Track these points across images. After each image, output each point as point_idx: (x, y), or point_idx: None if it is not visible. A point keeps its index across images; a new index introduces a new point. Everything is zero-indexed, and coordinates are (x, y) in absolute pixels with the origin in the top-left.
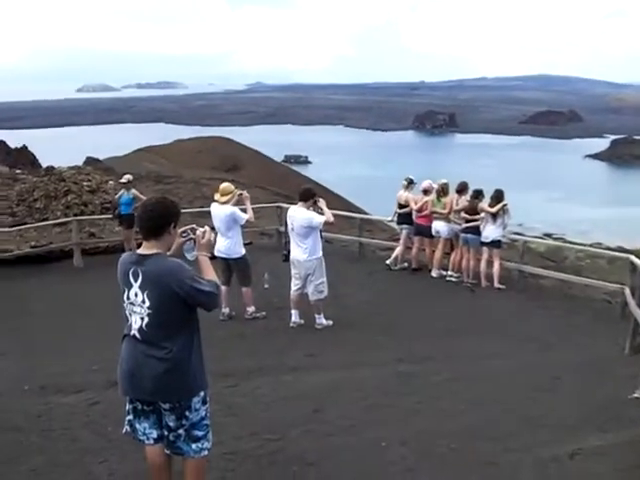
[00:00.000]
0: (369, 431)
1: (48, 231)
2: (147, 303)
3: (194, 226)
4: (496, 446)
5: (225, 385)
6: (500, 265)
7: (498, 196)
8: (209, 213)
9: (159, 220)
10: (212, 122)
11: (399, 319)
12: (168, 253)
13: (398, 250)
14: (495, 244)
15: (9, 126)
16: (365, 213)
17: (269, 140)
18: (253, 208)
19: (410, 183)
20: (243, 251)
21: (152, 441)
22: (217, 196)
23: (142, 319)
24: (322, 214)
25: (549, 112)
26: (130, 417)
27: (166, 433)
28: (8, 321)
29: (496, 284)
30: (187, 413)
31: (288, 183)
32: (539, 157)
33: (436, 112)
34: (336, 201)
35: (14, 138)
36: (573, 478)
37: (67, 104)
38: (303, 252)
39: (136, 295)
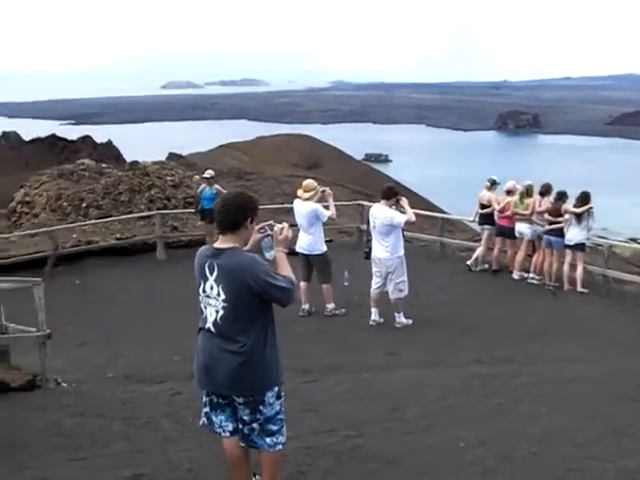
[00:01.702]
0: (448, 431)
1: (132, 224)
2: (222, 296)
3: (272, 222)
4: (578, 453)
5: (304, 380)
6: (583, 269)
7: (584, 198)
8: (289, 210)
9: (236, 214)
10: (293, 119)
11: (479, 320)
12: (245, 248)
13: (479, 251)
14: (579, 247)
15: (95, 121)
16: (446, 213)
17: (350, 138)
18: (335, 206)
19: (493, 184)
20: (324, 248)
21: (228, 433)
22: (300, 192)
23: (217, 312)
24: (404, 213)
25: (637, 112)
26: (207, 409)
27: (241, 426)
28: (93, 311)
29: (579, 288)
30: (261, 407)
31: (368, 181)
32: (626, 159)
33: (519, 112)
34: (416, 200)
35: (100, 133)
36: None
37: (152, 100)
38: (384, 250)
39: (212, 288)
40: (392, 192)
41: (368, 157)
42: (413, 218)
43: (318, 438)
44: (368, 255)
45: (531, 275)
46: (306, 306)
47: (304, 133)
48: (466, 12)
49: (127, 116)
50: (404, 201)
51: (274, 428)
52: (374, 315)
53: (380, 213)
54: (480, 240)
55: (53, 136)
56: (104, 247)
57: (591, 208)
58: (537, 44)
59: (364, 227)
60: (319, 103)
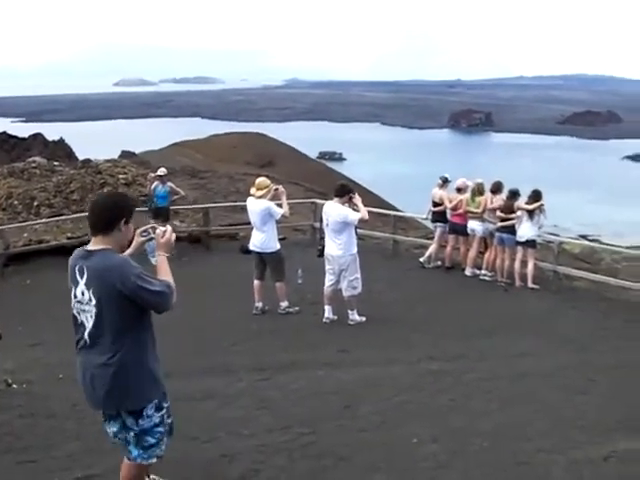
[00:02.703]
0: (401, 427)
1: (84, 223)
2: (93, 301)
3: (155, 225)
4: (529, 446)
5: (258, 378)
6: (534, 265)
7: (536, 195)
8: (243, 207)
9: (108, 215)
10: (248, 117)
11: (432, 317)
12: (127, 252)
13: (432, 248)
14: (530, 244)
15: (46, 119)
16: (399, 211)
17: (305, 136)
18: (288, 204)
19: (445, 182)
20: (278, 246)
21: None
22: (253, 190)
23: (90, 318)
24: (357, 210)
25: (587, 112)
26: (103, 421)
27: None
28: (44, 311)
29: (530, 284)
30: (139, 419)
31: (322, 180)
32: (576, 158)
33: (472, 110)
34: (370, 198)
35: (51, 131)
36: None
37: (105, 98)
38: (338, 248)
39: (82, 293)
40: (345, 190)
41: (322, 155)
42: (366, 216)
43: (272, 436)
44: (322, 253)
45: (483, 272)
46: (259, 304)
47: (258, 131)
48: (421, 11)
49: (79, 114)
50: (357, 199)
51: (151, 441)
52: (327, 312)
53: (333, 211)
54: (433, 238)
55: (3, 133)
56: (55, 246)
57: (542, 205)
58: (491, 44)
59: (317, 225)
60: (274, 101)
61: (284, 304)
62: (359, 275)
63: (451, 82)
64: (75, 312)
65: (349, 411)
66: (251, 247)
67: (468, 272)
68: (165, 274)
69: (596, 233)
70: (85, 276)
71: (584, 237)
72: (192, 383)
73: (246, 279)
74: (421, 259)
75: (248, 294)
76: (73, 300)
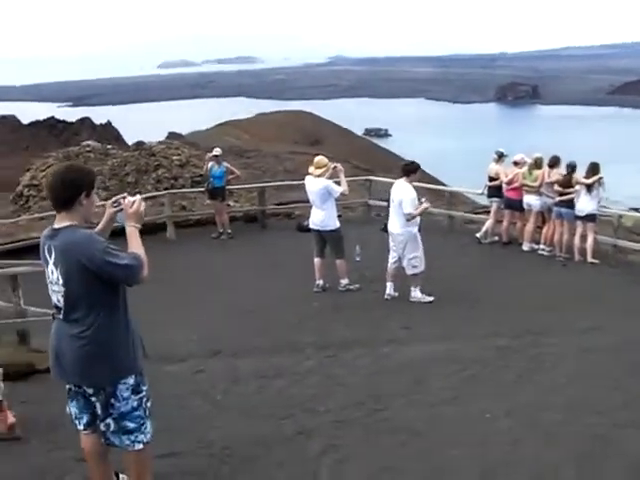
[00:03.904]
0: (472, 403)
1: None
2: (61, 280)
3: (125, 195)
4: (602, 420)
5: (326, 355)
6: (594, 239)
7: (593, 168)
8: (290, 186)
9: (68, 189)
10: (291, 96)
11: (493, 293)
12: (98, 228)
13: (488, 223)
14: (590, 218)
15: (93, 102)
16: (445, 185)
17: (349, 113)
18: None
19: (501, 156)
20: (337, 224)
21: (82, 426)
22: (311, 169)
23: (61, 297)
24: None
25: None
26: (67, 398)
27: (98, 422)
28: None
29: (589, 259)
30: (113, 401)
31: (369, 156)
32: (628, 129)
33: (518, 83)
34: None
35: (98, 114)
36: None
37: (149, 80)
38: (398, 225)
39: (52, 272)
40: (410, 169)
41: (368, 132)
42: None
43: (346, 412)
44: (385, 228)
45: (541, 247)
46: (320, 282)
47: (303, 109)
48: None
49: (125, 97)
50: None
51: (131, 426)
52: (389, 289)
53: (398, 190)
54: (480, 213)
55: (52, 118)
56: (113, 229)
57: (601, 178)
58: (536, 14)
59: (372, 202)
60: (317, 79)
61: (344, 281)
62: (419, 254)
63: (495, 55)
64: (49, 292)
65: (419, 387)
66: (311, 225)
67: (526, 247)
68: (136, 246)
69: None
70: (53, 255)
71: (636, 210)
72: (260, 361)
73: (304, 257)
74: (477, 234)
75: (307, 272)
76: (47, 280)
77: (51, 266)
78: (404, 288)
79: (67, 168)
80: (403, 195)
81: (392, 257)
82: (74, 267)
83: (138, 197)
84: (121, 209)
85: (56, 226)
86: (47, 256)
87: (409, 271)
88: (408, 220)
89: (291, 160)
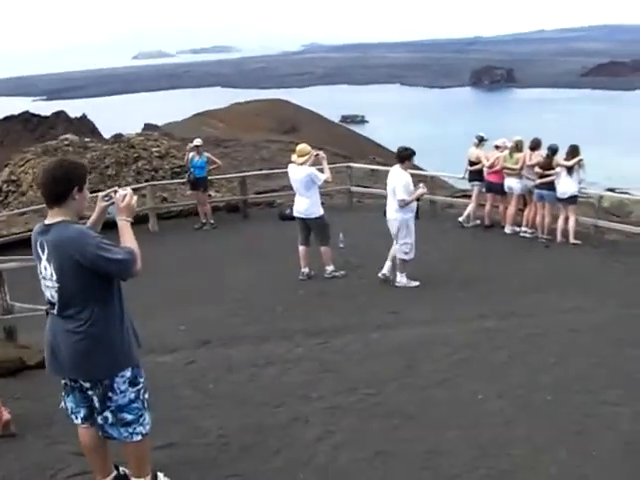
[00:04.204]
0: (464, 385)
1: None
2: (55, 276)
3: (116, 188)
4: (592, 398)
5: (315, 343)
6: (575, 220)
7: (574, 151)
8: (269, 175)
9: (60, 184)
10: (269, 84)
11: (477, 276)
12: (89, 221)
13: (470, 207)
14: (571, 200)
15: (67, 96)
16: (423, 170)
17: (326, 101)
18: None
19: (481, 140)
20: (321, 211)
21: (80, 420)
22: (294, 157)
23: (55, 293)
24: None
25: (612, 63)
26: (63, 393)
27: (95, 416)
28: None
29: (571, 240)
30: (110, 394)
31: (346, 143)
32: (601, 110)
33: (493, 67)
34: (395, 160)
35: (73, 108)
36: None
37: (123, 72)
38: (392, 210)
39: (45, 268)
40: (405, 155)
41: (344, 119)
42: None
43: (339, 398)
44: (385, 213)
45: (523, 229)
46: (306, 269)
47: (279, 97)
48: None
49: (100, 89)
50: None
51: (129, 418)
52: (385, 268)
53: (394, 176)
54: (467, 197)
55: (26, 112)
56: (105, 222)
57: (581, 160)
58: None
59: (354, 189)
60: (293, 67)
61: (330, 268)
62: (411, 241)
63: (470, 39)
64: (43, 288)
65: (410, 370)
66: (295, 213)
67: (508, 230)
68: (129, 240)
69: (625, 186)
70: (46, 251)
71: (612, 190)
72: (251, 350)
73: (287, 245)
74: (460, 218)
75: (291, 260)
76: (39, 276)
77: (44, 262)
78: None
79: (58, 163)
80: (397, 181)
81: (394, 240)
82: (67, 263)
83: (129, 190)
84: (112, 202)
85: (48, 221)
86: (40, 252)
87: (399, 255)
88: (401, 206)
89: (267, 148)
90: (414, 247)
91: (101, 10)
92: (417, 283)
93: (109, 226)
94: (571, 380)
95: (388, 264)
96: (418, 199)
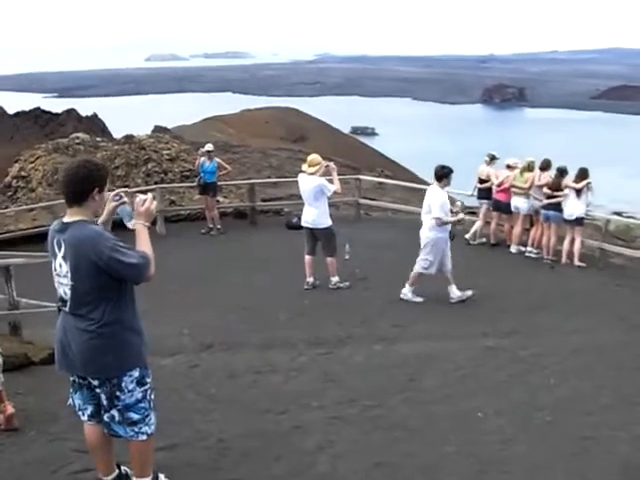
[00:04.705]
0: (465, 401)
1: (129, 198)
2: (70, 274)
3: (126, 189)
4: (592, 420)
5: (319, 352)
6: (581, 243)
7: (583, 173)
8: (276, 183)
9: (81, 184)
10: (279, 92)
11: (481, 294)
12: (99, 220)
13: (477, 225)
14: (578, 221)
15: (79, 94)
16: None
17: (336, 111)
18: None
19: (492, 159)
20: (329, 222)
21: (86, 417)
22: (304, 167)
23: (68, 290)
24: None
25: (624, 87)
26: (70, 390)
27: (103, 413)
28: None
29: (576, 262)
30: (118, 393)
31: (355, 154)
32: (612, 133)
33: (505, 85)
34: (403, 174)
35: (84, 106)
36: None
37: (136, 73)
38: (425, 228)
39: (60, 266)
40: (442, 173)
41: (354, 130)
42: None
43: (341, 408)
44: None
45: (529, 249)
46: (311, 279)
47: (290, 106)
48: None
49: (112, 89)
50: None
51: (135, 417)
52: (452, 293)
53: (430, 195)
54: (473, 214)
55: (37, 109)
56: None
57: (590, 183)
58: (524, 17)
59: (362, 201)
60: (305, 76)
61: (335, 279)
62: (432, 259)
63: (483, 57)
64: (56, 285)
65: (413, 385)
66: (303, 223)
67: (513, 249)
68: (144, 245)
69: (631, 210)
70: (62, 249)
71: (618, 214)
72: (255, 357)
73: (294, 254)
74: (467, 235)
75: (297, 269)
76: (53, 273)
77: (59, 259)
78: (394, 290)
79: (82, 163)
80: (433, 200)
81: None
82: (83, 262)
83: (150, 195)
84: (122, 203)
85: (66, 220)
86: (56, 249)
87: (416, 268)
88: (437, 225)
89: (276, 156)
90: (435, 265)
91: (116, 13)
92: (421, 300)
93: (116, 226)
94: (571, 401)
95: (451, 287)
96: (456, 223)
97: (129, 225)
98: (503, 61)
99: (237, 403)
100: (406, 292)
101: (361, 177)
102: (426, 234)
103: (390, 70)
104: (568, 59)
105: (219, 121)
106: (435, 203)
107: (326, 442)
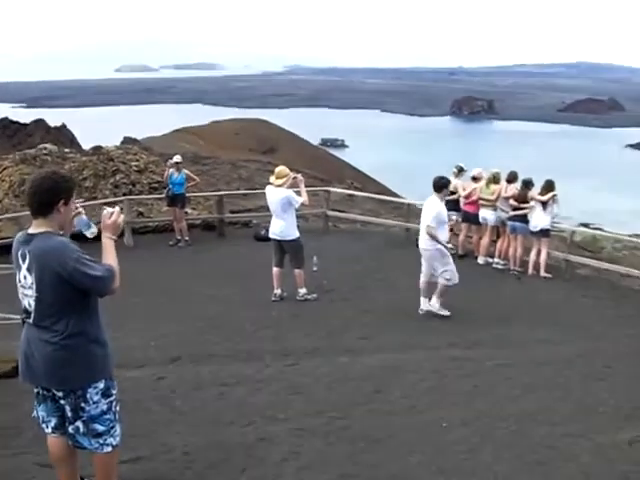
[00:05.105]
0: (430, 412)
1: (96, 210)
2: (34, 285)
3: (78, 205)
4: (555, 430)
5: (286, 364)
6: (547, 254)
7: (548, 186)
8: (246, 195)
9: (47, 196)
10: (250, 104)
11: (448, 304)
12: (61, 232)
13: None
14: (544, 233)
15: (47, 104)
16: (400, 197)
17: (306, 123)
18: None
19: (460, 170)
20: (297, 234)
21: (50, 429)
22: (272, 179)
23: (33, 302)
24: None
25: (589, 100)
26: (35, 402)
27: (67, 425)
28: None
29: (542, 273)
30: (83, 404)
31: (325, 166)
32: (578, 145)
33: (474, 98)
34: (372, 185)
35: (53, 117)
36: (635, 464)
37: (106, 84)
38: (424, 240)
39: (25, 277)
40: (440, 184)
41: (324, 142)
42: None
43: (306, 420)
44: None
45: (496, 260)
46: (278, 291)
47: (260, 118)
48: None
49: (80, 99)
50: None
51: (100, 429)
52: (422, 304)
53: (428, 207)
54: None
55: (5, 119)
56: (71, 234)
57: (555, 195)
58: (493, 30)
59: (330, 213)
60: (276, 87)
61: (302, 291)
62: (450, 267)
63: (452, 69)
64: (20, 296)
65: (379, 396)
66: (271, 235)
67: (480, 260)
68: (109, 257)
69: (597, 221)
70: (27, 260)
71: (585, 225)
72: (220, 368)
73: (262, 266)
74: None
75: (265, 281)
76: (18, 284)
77: (24, 271)
78: (361, 302)
79: (47, 174)
80: (429, 210)
81: (422, 272)
82: (48, 273)
83: (117, 209)
84: (78, 213)
85: (31, 231)
86: (20, 261)
87: (441, 282)
88: (429, 234)
89: (246, 168)
90: (455, 272)
91: (85, 19)
92: (448, 313)
93: (77, 239)
94: (535, 411)
95: (422, 299)
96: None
97: (87, 234)
98: (472, 74)
99: (202, 415)
100: (433, 303)
101: (330, 189)
102: (426, 245)
103: (359, 82)
104: (536, 72)
105: (189, 132)
106: (430, 213)
107: (291, 454)
